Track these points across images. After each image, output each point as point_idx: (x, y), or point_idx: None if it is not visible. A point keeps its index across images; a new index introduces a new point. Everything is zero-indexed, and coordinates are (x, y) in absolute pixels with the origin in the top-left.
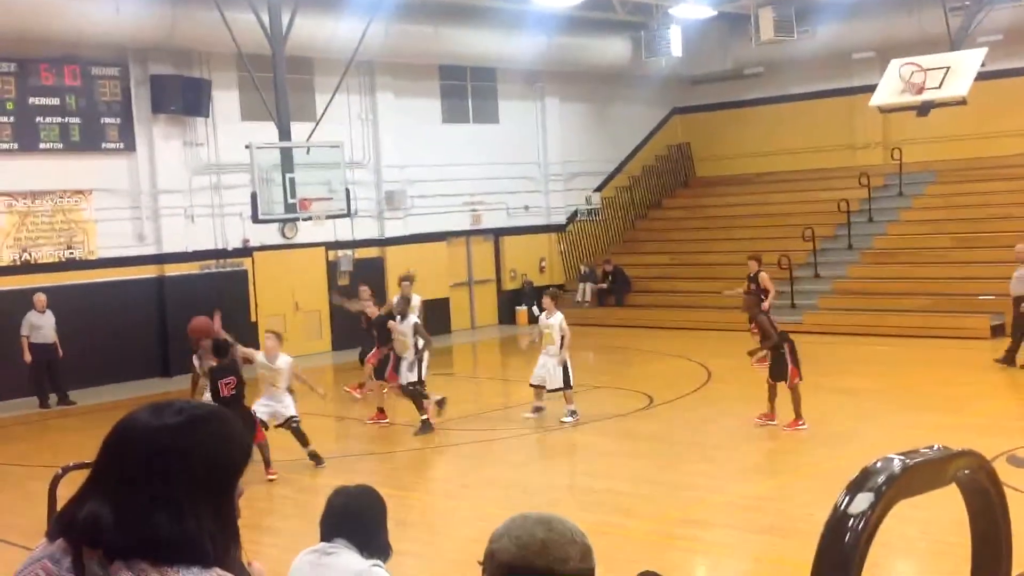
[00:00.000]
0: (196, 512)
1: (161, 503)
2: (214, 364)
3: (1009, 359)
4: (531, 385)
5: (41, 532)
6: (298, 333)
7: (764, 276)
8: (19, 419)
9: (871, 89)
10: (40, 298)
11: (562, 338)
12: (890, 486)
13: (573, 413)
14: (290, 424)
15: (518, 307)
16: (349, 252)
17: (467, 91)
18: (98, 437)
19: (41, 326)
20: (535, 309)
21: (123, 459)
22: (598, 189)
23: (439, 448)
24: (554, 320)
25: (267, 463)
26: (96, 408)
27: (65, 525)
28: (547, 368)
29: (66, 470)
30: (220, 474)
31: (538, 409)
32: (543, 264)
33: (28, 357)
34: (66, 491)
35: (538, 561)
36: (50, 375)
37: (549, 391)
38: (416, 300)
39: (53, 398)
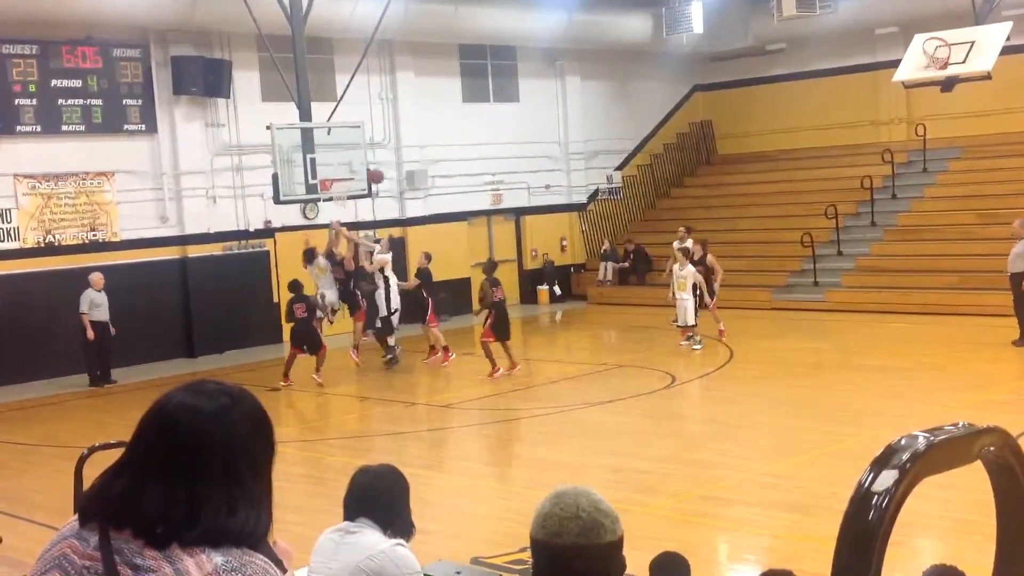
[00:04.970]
0: (242, 495)
1: (209, 489)
2: None
3: None
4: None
5: (67, 511)
6: None
7: (712, 258)
8: (42, 400)
9: (894, 65)
10: (98, 277)
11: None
12: (914, 463)
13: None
14: None
15: (539, 286)
16: (370, 232)
17: (487, 70)
18: (123, 417)
19: (101, 304)
20: (556, 289)
21: (167, 444)
22: (619, 168)
23: (461, 427)
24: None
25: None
26: (121, 389)
27: (95, 504)
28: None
29: (92, 450)
30: (266, 455)
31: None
32: (564, 243)
33: (91, 334)
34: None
35: (538, 533)
36: (101, 353)
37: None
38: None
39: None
